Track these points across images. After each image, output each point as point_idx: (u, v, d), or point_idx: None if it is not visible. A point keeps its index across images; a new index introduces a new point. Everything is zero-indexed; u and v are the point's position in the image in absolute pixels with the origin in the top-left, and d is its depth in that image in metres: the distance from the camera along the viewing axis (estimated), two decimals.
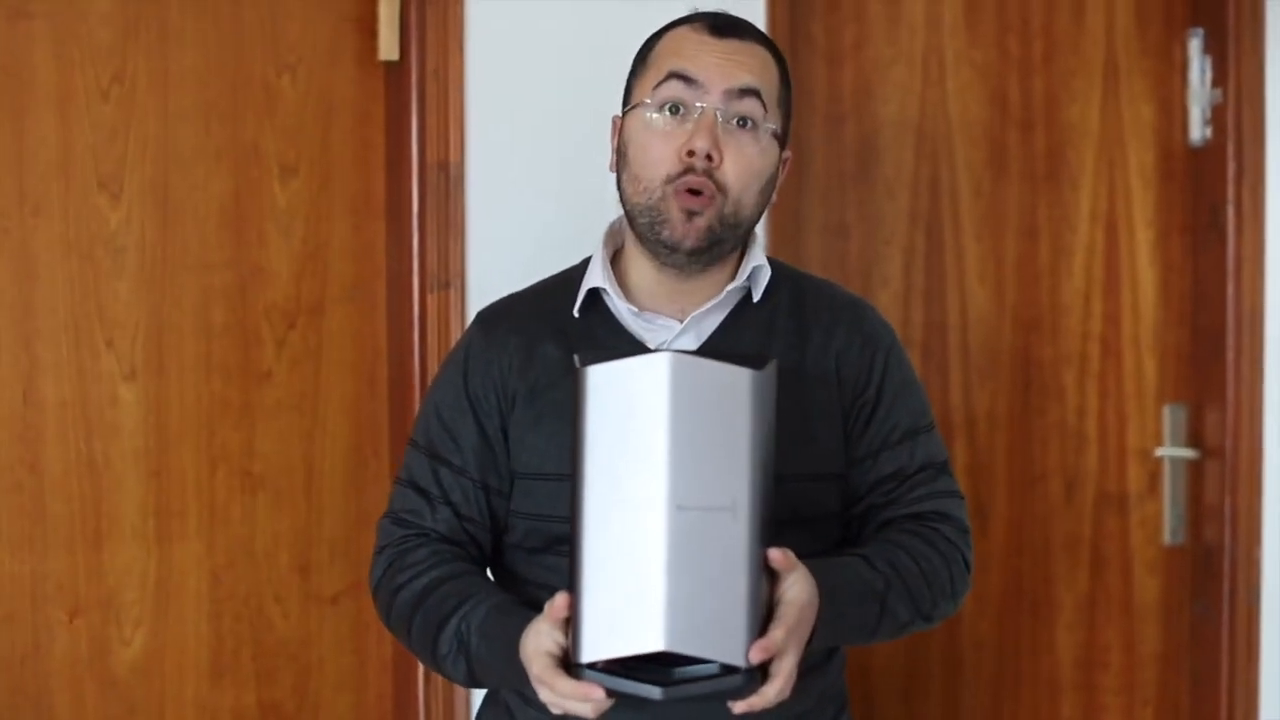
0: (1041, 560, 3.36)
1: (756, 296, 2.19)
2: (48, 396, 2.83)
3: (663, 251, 2.14)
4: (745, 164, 2.12)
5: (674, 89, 2.12)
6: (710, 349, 2.14)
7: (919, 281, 3.27)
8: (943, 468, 2.26)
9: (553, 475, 2.14)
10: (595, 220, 2.86)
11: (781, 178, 2.23)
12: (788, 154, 2.23)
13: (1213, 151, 3.33)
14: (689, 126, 2.10)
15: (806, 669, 1.98)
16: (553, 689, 1.86)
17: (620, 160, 2.19)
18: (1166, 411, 3.39)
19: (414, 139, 2.90)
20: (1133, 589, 3.40)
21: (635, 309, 2.19)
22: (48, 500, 2.83)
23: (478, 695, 2.88)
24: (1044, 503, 3.36)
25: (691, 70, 2.12)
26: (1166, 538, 3.40)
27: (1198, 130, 3.35)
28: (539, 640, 1.90)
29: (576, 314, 2.20)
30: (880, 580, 2.07)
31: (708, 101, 2.10)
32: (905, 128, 3.25)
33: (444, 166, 2.89)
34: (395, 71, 2.96)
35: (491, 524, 2.24)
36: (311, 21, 2.94)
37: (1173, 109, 3.36)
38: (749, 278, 2.20)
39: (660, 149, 2.12)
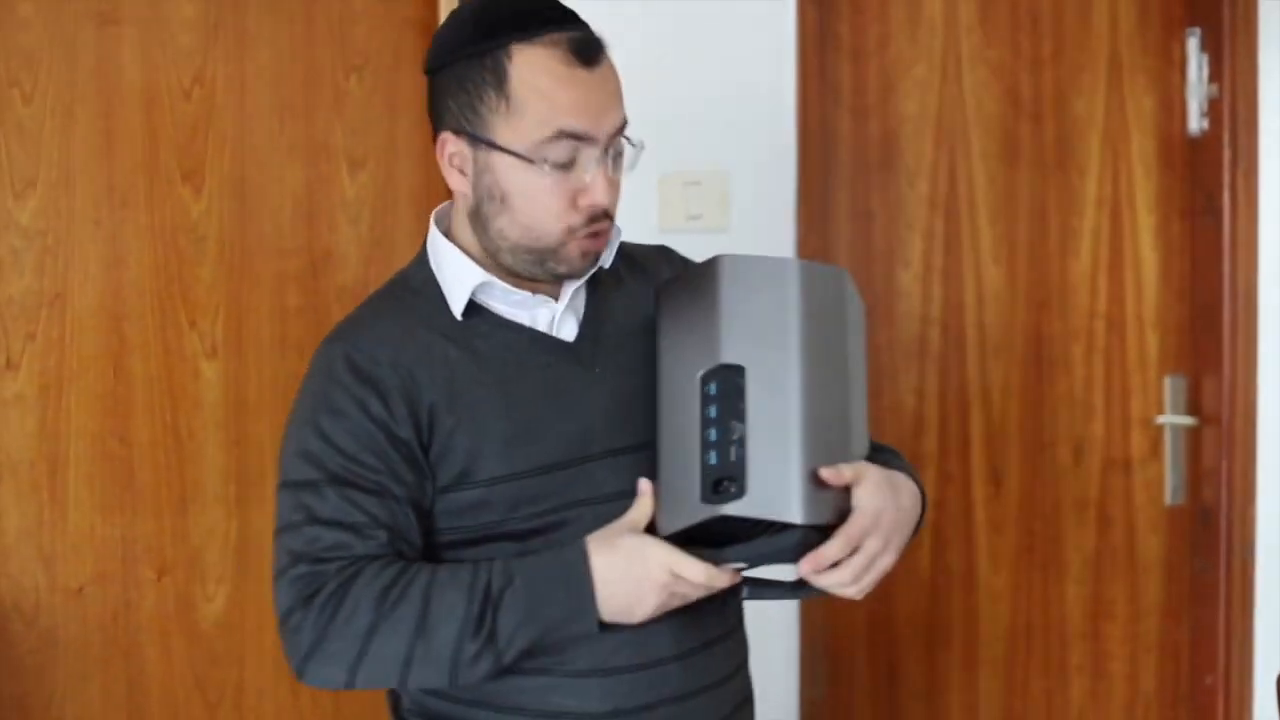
0: (1052, 520, 3.36)
1: (608, 262, 1.98)
2: (136, 373, 2.88)
3: (540, 275, 1.92)
4: (620, 185, 1.91)
5: (565, 149, 1.83)
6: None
7: (938, 263, 3.28)
8: None
9: (523, 473, 1.88)
10: (639, 221, 2.85)
11: None
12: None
13: (1209, 142, 3.30)
14: (579, 174, 1.85)
15: (724, 634, 2.00)
16: (711, 578, 1.80)
17: (488, 200, 1.88)
18: (1167, 382, 3.37)
19: None
20: (1136, 546, 3.40)
21: (518, 293, 1.93)
22: (136, 468, 2.89)
23: None
24: (1054, 467, 3.36)
25: (580, 127, 1.83)
26: (1167, 499, 3.39)
27: (1195, 122, 3.32)
28: (661, 549, 1.80)
29: (460, 317, 1.92)
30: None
31: (597, 148, 1.85)
32: (925, 120, 3.26)
33: None
34: None
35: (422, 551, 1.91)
36: (377, 25, 2.97)
37: (1172, 102, 3.34)
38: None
39: (557, 203, 1.85)
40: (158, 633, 2.92)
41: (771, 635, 3.13)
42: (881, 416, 3.28)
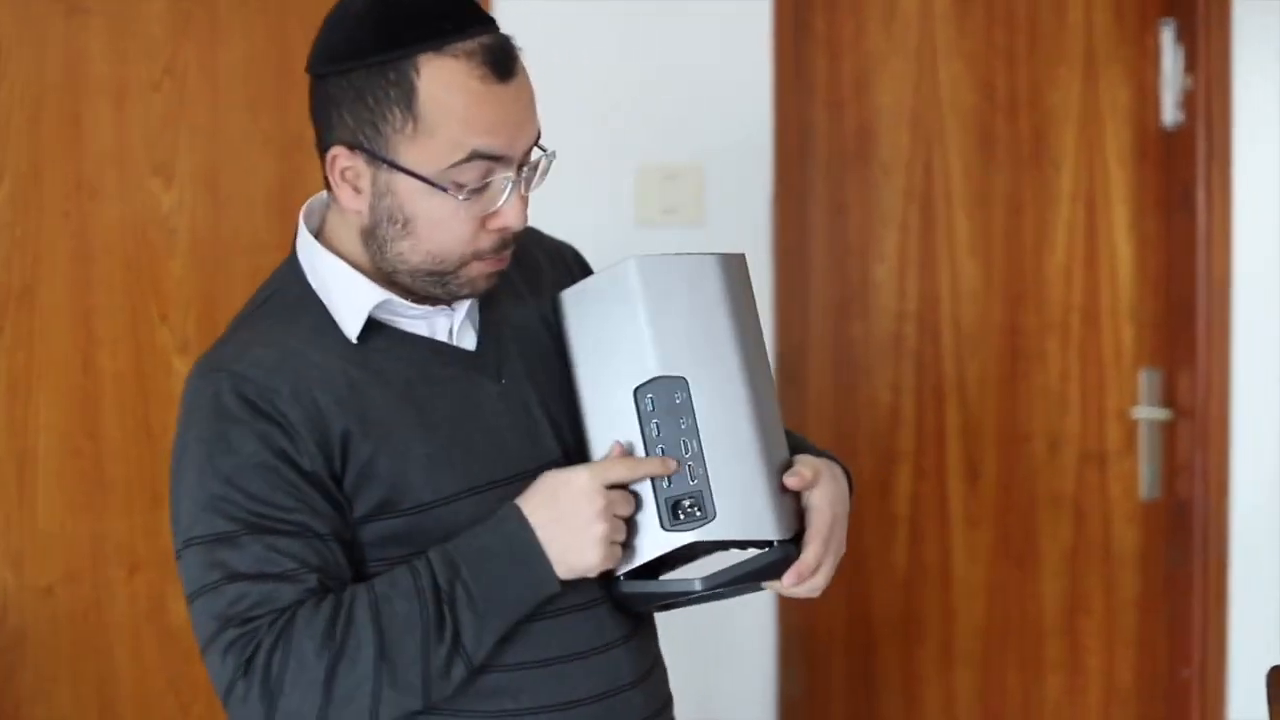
0: (1028, 514, 3.37)
1: None
2: (106, 369, 2.86)
3: (440, 295, 1.78)
4: (528, 200, 1.77)
5: (478, 170, 1.69)
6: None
7: (914, 256, 3.28)
8: None
9: (450, 497, 1.74)
10: (614, 215, 2.85)
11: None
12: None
13: (1184, 134, 3.30)
14: (491, 196, 1.72)
15: (658, 655, 1.92)
16: (640, 469, 1.69)
17: (389, 224, 1.72)
18: (1142, 375, 3.38)
19: None
20: (1112, 540, 3.40)
21: (417, 308, 1.79)
22: (107, 465, 2.86)
23: None
24: (1030, 461, 3.36)
25: (496, 148, 1.69)
26: (1143, 492, 3.40)
27: (1170, 114, 3.32)
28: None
29: (356, 339, 1.76)
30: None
31: (512, 168, 1.71)
32: (901, 113, 3.26)
33: None
34: None
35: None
36: None
37: (1147, 94, 3.34)
38: None
39: (466, 229, 1.72)
40: (129, 632, 2.90)
41: (748, 633, 3.14)
42: (857, 411, 3.29)
